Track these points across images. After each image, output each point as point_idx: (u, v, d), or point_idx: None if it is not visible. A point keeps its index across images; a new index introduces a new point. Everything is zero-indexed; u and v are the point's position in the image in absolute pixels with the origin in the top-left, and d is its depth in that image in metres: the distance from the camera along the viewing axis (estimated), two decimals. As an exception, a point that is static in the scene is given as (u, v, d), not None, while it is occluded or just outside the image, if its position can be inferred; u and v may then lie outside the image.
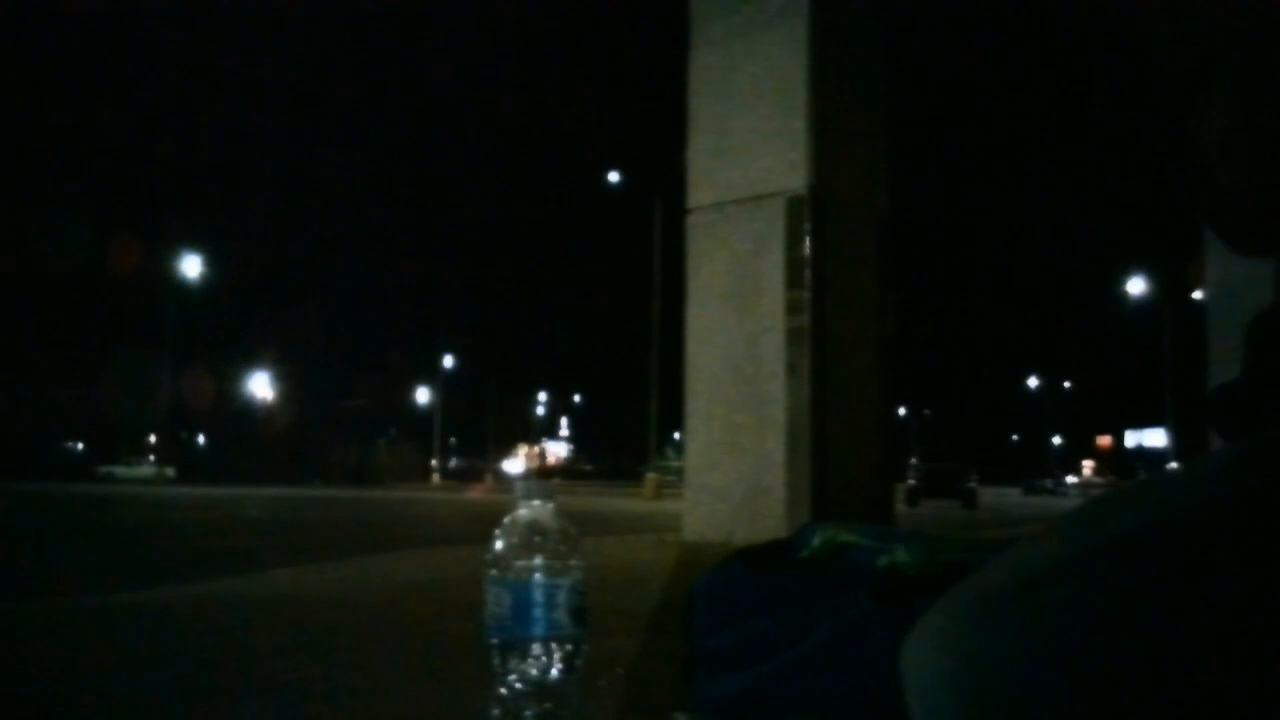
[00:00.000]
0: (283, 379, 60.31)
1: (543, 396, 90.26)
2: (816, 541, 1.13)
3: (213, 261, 46.77)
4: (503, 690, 0.98)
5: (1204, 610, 0.53)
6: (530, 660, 0.97)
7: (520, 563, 0.98)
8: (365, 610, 2.99)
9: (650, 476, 27.77)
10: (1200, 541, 0.56)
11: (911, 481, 24.58)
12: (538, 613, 0.97)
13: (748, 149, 4.67)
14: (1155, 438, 55.44)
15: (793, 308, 4.43)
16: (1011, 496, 44.59)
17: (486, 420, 73.49)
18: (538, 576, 0.98)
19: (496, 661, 0.98)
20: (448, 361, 64.22)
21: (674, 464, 34.91)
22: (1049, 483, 62.07)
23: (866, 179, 4.84)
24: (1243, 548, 0.54)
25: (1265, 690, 0.51)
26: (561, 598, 0.98)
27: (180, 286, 43.73)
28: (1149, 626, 0.54)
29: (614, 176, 34.47)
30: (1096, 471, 70.96)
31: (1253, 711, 0.51)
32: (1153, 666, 0.53)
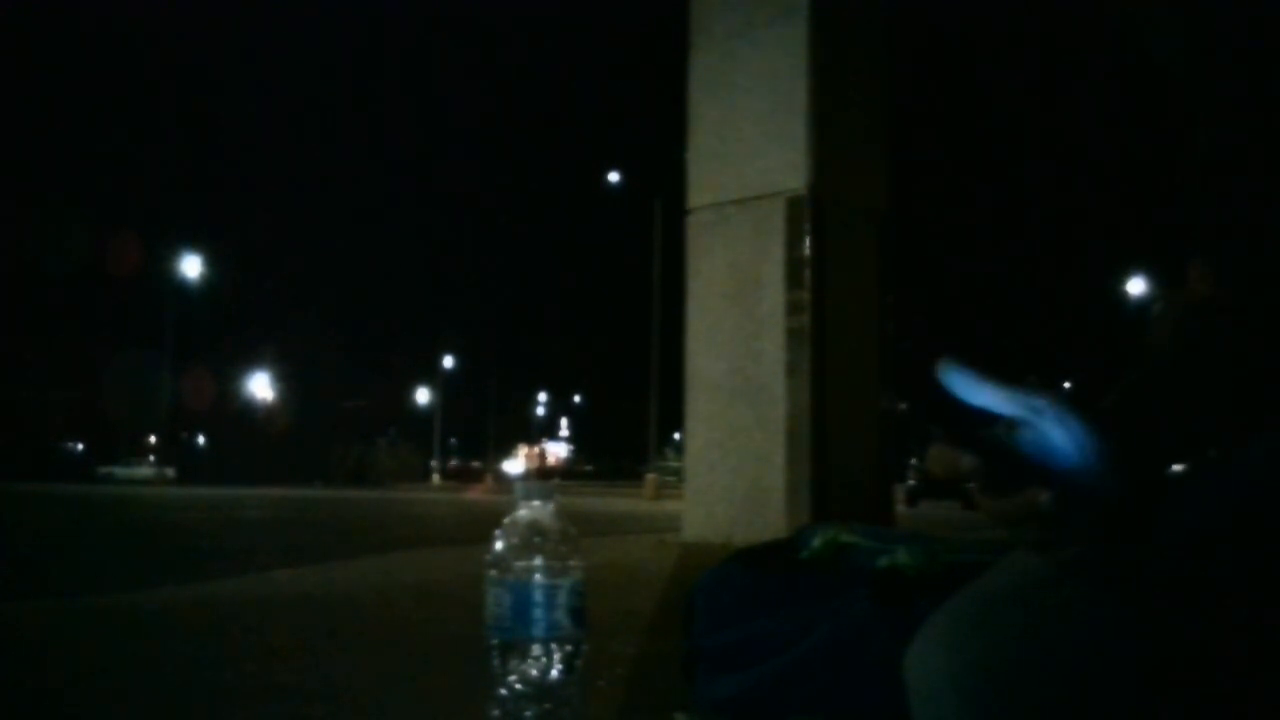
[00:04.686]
0: (283, 379, 60.33)
1: (543, 396, 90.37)
2: (817, 542, 1.13)
3: (213, 261, 46.78)
4: (503, 691, 0.98)
5: (1207, 615, 0.53)
6: (530, 661, 0.97)
7: (520, 563, 0.98)
8: (365, 610, 2.99)
9: (650, 477, 27.78)
10: (1204, 549, 0.56)
11: (911, 481, 24.57)
12: (537, 613, 0.97)
13: (748, 149, 4.68)
14: (1155, 438, 55.22)
15: (793, 308, 4.43)
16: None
17: (486, 420, 73.56)
18: (538, 577, 0.98)
19: (496, 662, 0.98)
20: (448, 361, 64.31)
21: (674, 464, 34.91)
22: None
23: (866, 179, 4.84)
24: (1245, 558, 0.54)
25: (1266, 693, 0.51)
26: (561, 598, 0.98)
27: (180, 286, 43.78)
28: (1152, 630, 0.54)
29: (614, 176, 34.52)
30: (1096, 472, 70.91)
31: (1255, 713, 0.51)
32: (1155, 669, 0.53)
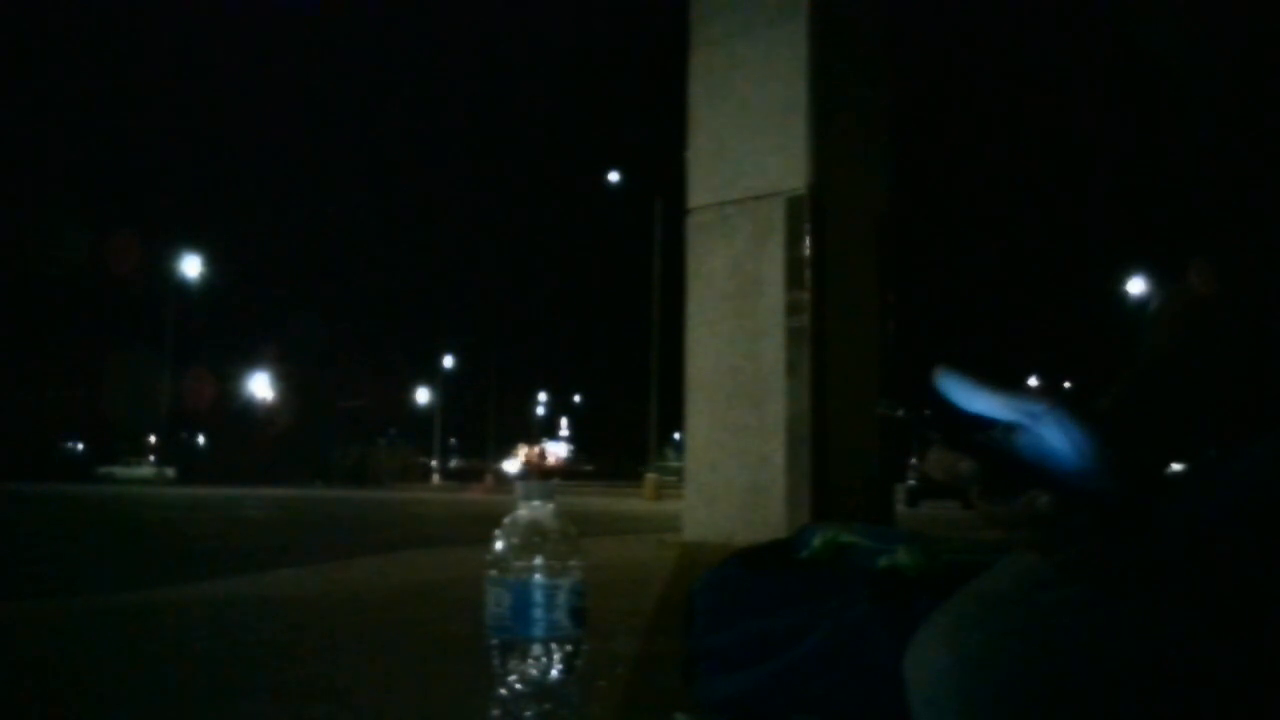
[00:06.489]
0: (283, 379, 60.34)
1: (543, 396, 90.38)
2: (817, 542, 1.13)
3: (213, 261, 46.83)
4: (503, 690, 0.98)
5: (1207, 615, 0.53)
6: (530, 660, 0.97)
7: (520, 563, 0.98)
8: (365, 610, 2.99)
9: (650, 476, 27.76)
10: (1203, 549, 0.56)
11: (911, 482, 24.53)
12: (537, 613, 0.97)
13: (748, 149, 4.68)
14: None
15: (793, 308, 4.43)
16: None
17: (486, 420, 73.56)
18: (538, 577, 0.98)
19: (496, 662, 0.98)
20: (448, 361, 64.33)
21: (674, 464, 34.91)
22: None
23: (866, 179, 4.84)
24: (1244, 558, 0.54)
25: (1266, 693, 0.51)
26: (561, 598, 0.98)
27: (180, 286, 43.80)
28: (1152, 630, 0.54)
29: (614, 176, 34.55)
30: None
31: (1250, 713, 0.51)
32: (1155, 669, 0.53)
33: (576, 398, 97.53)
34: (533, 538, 1.00)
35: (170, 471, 46.85)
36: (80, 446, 60.75)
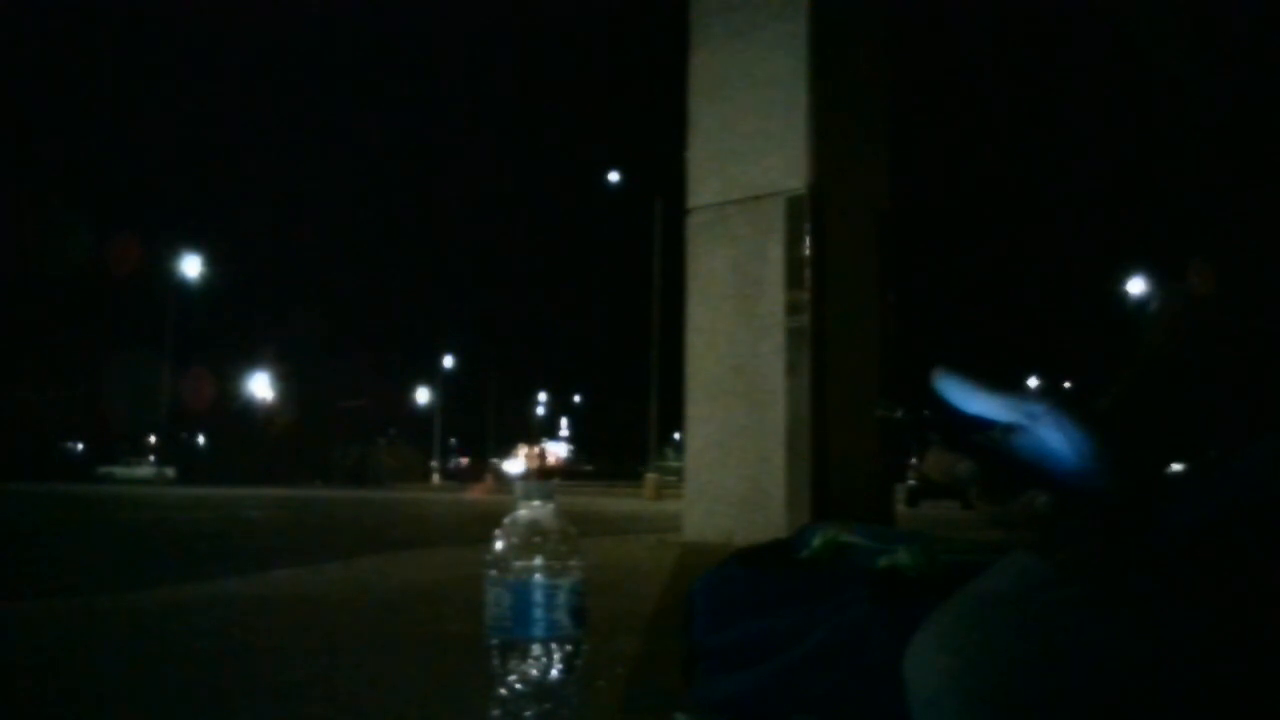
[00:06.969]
0: (283, 379, 60.31)
1: (543, 396, 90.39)
2: (817, 542, 1.13)
3: (213, 261, 46.80)
4: (503, 690, 0.98)
5: (1205, 615, 0.53)
6: (530, 660, 0.98)
7: (520, 563, 0.98)
8: (365, 610, 2.99)
9: (650, 476, 27.76)
10: (1202, 549, 0.56)
11: (911, 482, 24.52)
12: (537, 613, 0.97)
13: (748, 149, 4.68)
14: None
15: (793, 308, 4.44)
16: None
17: (486, 420, 73.56)
18: (538, 577, 0.98)
19: (496, 662, 0.98)
20: (448, 361, 64.32)
21: (674, 464, 34.92)
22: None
23: (866, 179, 4.84)
24: (1243, 558, 0.55)
25: (1264, 692, 0.51)
26: (561, 598, 0.98)
27: (180, 286, 43.79)
28: (1150, 630, 0.54)
29: (614, 176, 34.55)
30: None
31: (1250, 712, 0.51)
32: (1153, 668, 0.53)
33: (576, 398, 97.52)
34: (533, 538, 1.00)
35: (170, 471, 46.84)
36: (80, 446, 60.77)
